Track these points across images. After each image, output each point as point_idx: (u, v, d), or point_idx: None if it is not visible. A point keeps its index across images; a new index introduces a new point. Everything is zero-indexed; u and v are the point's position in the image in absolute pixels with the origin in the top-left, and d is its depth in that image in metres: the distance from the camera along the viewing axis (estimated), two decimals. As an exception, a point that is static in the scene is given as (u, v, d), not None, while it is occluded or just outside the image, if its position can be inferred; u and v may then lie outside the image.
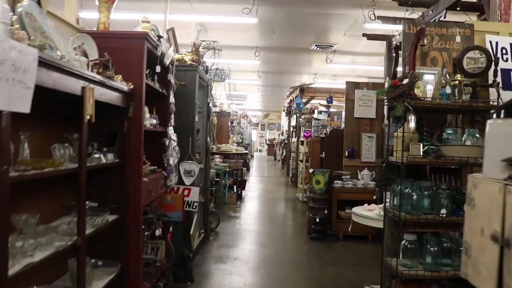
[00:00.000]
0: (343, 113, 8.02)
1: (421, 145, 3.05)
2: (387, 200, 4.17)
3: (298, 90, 13.18)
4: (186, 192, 4.87)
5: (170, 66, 4.19)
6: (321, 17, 7.97)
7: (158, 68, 3.64)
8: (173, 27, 6.17)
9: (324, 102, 12.76)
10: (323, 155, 7.43)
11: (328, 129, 8.06)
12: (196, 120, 5.03)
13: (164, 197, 4.28)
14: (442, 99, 3.09)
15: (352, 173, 6.90)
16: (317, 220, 6.47)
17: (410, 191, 3.03)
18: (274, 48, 10.67)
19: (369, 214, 4.19)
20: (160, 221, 4.16)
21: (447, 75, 3.21)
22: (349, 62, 11.53)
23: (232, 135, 13.34)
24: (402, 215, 2.98)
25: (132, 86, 3.18)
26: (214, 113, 10.60)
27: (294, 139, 14.61)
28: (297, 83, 14.13)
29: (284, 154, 20.09)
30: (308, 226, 6.90)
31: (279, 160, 23.62)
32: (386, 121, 7.03)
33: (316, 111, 11.33)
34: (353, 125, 7.03)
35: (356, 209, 4.47)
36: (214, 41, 8.75)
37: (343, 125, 7.72)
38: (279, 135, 28.71)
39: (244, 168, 11.65)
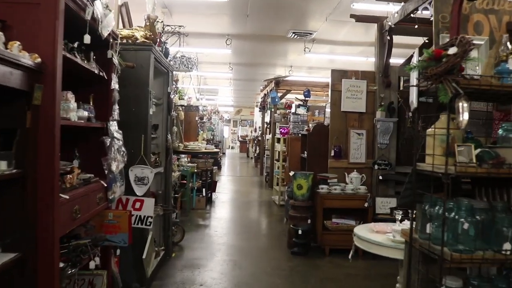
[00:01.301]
0: (327, 106, 7.07)
1: (473, 147, 2.06)
2: (402, 220, 3.23)
3: (273, 83, 12.19)
4: (137, 205, 3.82)
5: (112, 41, 3.12)
6: (302, -2, 6.98)
7: (87, 39, 2.57)
8: (127, 2, 5.09)
9: (301, 97, 11.85)
10: (305, 155, 6.46)
11: (310, 125, 7.09)
12: (151, 113, 3.97)
13: (104, 214, 3.22)
14: (503, 78, 2.10)
15: (339, 175, 5.96)
16: (300, 232, 5.50)
17: (455, 215, 2.05)
18: (248, 36, 9.62)
19: (378, 239, 3.20)
20: (98, 247, 3.12)
21: (508, 43, 2.23)
22: (328, 52, 10.60)
23: (202, 131, 12.25)
24: (445, 251, 2.00)
25: (39, 60, 2.11)
26: (181, 107, 9.54)
27: (268, 136, 13.65)
28: (271, 76, 13.14)
29: (257, 151, 19.13)
30: (288, 238, 5.92)
31: (252, 158, 22.65)
32: (378, 115, 6.11)
33: (293, 105, 10.35)
34: (339, 120, 6.07)
35: (360, 231, 3.47)
36: (180, 26, 7.67)
37: (327, 120, 6.76)
38: (251, 132, 27.74)
39: (215, 167, 10.61)
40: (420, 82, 2.26)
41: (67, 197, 2.35)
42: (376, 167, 5.96)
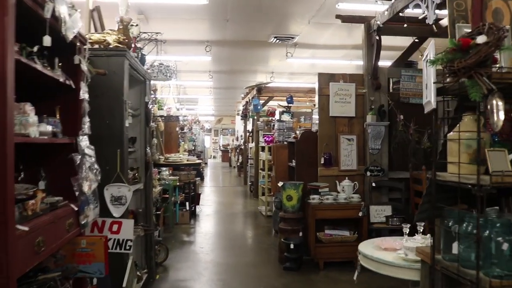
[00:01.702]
0: (315, 112, 6.78)
1: (506, 152, 1.75)
2: (418, 236, 2.92)
3: (255, 90, 11.88)
4: (115, 228, 3.44)
5: (79, 45, 2.76)
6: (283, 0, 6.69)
7: (46, 41, 2.21)
8: (99, 6, 4.73)
9: (284, 103, 11.57)
10: (293, 164, 6.14)
11: (298, 132, 6.78)
12: (127, 125, 3.59)
13: (76, 241, 2.83)
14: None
15: (330, 184, 5.66)
16: (292, 246, 5.16)
17: (489, 233, 1.74)
18: (228, 42, 9.31)
19: (388, 257, 2.87)
20: (70, 280, 2.74)
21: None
22: (311, 56, 10.35)
23: (183, 142, 11.85)
24: (482, 278, 1.68)
25: (-16, 65, 1.75)
26: (161, 118, 9.14)
27: (251, 145, 13.32)
28: (252, 83, 12.83)
29: (240, 160, 18.77)
30: (279, 253, 5.58)
31: (234, 167, 22.27)
32: (368, 119, 5.83)
33: (277, 112, 10.04)
34: (328, 126, 5.78)
35: (365, 249, 3.14)
36: (157, 33, 7.33)
37: (314, 126, 6.46)
38: (233, 141, 27.39)
39: (198, 179, 10.22)
40: (443, 77, 1.95)
41: (27, 228, 1.97)
42: (368, 173, 5.67)
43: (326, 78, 5.81)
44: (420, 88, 5.85)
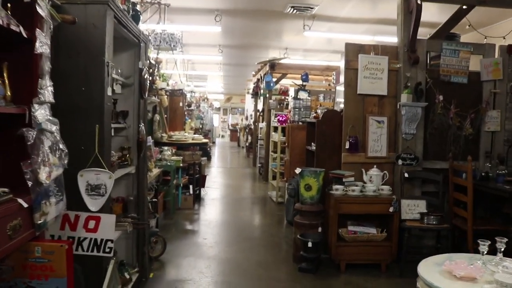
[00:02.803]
0: (337, 89, 5.94)
1: None
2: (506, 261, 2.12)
3: (267, 66, 11.02)
4: (91, 224, 2.70)
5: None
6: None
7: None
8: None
9: (298, 82, 10.71)
10: (312, 148, 5.35)
11: (319, 111, 5.95)
12: (109, 93, 2.80)
13: (29, 248, 2.09)
14: None
15: (355, 173, 4.87)
16: (310, 245, 4.40)
17: None
18: (240, 11, 8.43)
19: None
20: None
21: None
22: (329, 30, 9.44)
23: (189, 120, 11.08)
24: None
25: None
26: (166, 92, 8.37)
27: (262, 125, 12.51)
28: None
29: (249, 141, 17.99)
30: (294, 250, 4.84)
31: (243, 147, 21.50)
32: (403, 99, 4.94)
33: (292, 89, 9.18)
34: (355, 105, 4.96)
35: (431, 276, 2.19)
36: (160, -4, 6.54)
37: (337, 106, 5.64)
38: (242, 120, 26.60)
39: (204, 159, 9.48)
40: None
41: None
42: (400, 162, 4.87)
43: (355, 49, 4.96)
44: (464, 64, 5.00)
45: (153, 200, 5.11)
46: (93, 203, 2.69)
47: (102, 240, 2.70)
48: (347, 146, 4.92)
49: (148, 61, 4.30)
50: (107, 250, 2.72)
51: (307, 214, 4.72)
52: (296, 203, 4.97)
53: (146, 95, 3.91)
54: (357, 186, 4.66)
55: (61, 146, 2.22)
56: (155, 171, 5.47)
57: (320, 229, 4.67)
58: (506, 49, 5.05)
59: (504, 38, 5.34)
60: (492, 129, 5.07)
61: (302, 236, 4.52)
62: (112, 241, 2.73)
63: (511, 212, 4.26)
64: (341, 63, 5.07)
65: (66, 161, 2.26)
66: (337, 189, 4.61)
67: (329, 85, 11.68)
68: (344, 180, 4.71)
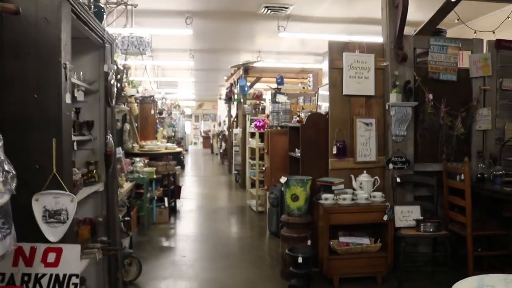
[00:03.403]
0: (320, 91, 5.62)
1: None
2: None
3: (241, 70, 10.66)
4: (51, 258, 2.26)
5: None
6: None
7: None
8: None
9: (273, 85, 10.37)
10: (297, 154, 4.99)
11: (303, 115, 5.59)
12: (68, 101, 2.36)
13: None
14: None
15: (344, 179, 4.54)
16: (300, 260, 4.03)
17: None
18: (211, 13, 8.05)
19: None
20: None
21: None
22: (305, 31, 9.15)
23: (161, 128, 10.60)
24: None
25: None
26: (136, 100, 7.91)
27: (236, 130, 12.13)
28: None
29: (223, 147, 17.56)
30: (282, 266, 4.47)
31: (217, 154, 21.05)
32: (392, 99, 4.62)
33: (268, 93, 8.82)
34: (342, 107, 4.64)
35: None
36: (127, -4, 6.09)
37: (320, 108, 5.31)
38: (215, 126, 26.14)
39: (178, 168, 9.02)
40: None
41: None
42: (391, 166, 4.58)
43: (339, 47, 4.65)
44: (452, 61, 4.75)
45: (125, 219, 4.66)
46: (52, 232, 2.25)
47: (65, 275, 2.26)
48: (334, 151, 4.59)
49: (115, 65, 3.87)
50: (72, 286, 2.29)
51: (295, 226, 4.35)
52: (283, 215, 4.59)
53: (114, 103, 3.48)
54: (347, 194, 4.33)
55: (6, 167, 1.78)
56: (127, 185, 5.02)
57: (309, 242, 4.31)
58: (494, 44, 4.84)
59: (493, 32, 5.13)
60: (484, 127, 4.84)
61: (291, 251, 4.15)
62: (77, 275, 2.29)
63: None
64: (323, 64, 4.75)
65: (14, 185, 1.82)
66: (327, 198, 4.27)
67: (303, 88, 11.40)
68: (333, 188, 4.37)
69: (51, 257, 2.25)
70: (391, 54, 4.60)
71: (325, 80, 5.25)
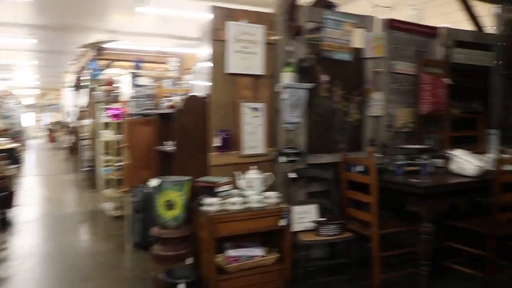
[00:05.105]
0: (198, 68, 4.65)
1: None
2: None
3: (93, 51, 9.15)
4: None
5: None
6: None
7: None
8: None
9: (127, 71, 9.09)
10: (167, 148, 4.00)
11: (179, 98, 4.54)
12: None
13: None
14: None
15: (230, 177, 3.68)
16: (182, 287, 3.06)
17: None
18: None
19: None
20: None
21: None
22: (168, 6, 8.10)
23: (-10, 120, 8.64)
24: None
25: None
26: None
27: (86, 121, 10.52)
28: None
29: (72, 141, 15.49)
30: (155, 294, 3.45)
31: (63, 149, 18.68)
32: (286, 79, 3.82)
33: (122, 79, 7.55)
34: (225, 88, 3.77)
35: None
36: None
37: (198, 91, 4.34)
38: (61, 117, 23.40)
39: (12, 168, 7.30)
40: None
41: None
42: (283, 159, 3.85)
43: (222, 15, 3.75)
44: (347, 39, 4.20)
45: None
46: None
47: None
48: (216, 144, 3.70)
49: None
50: None
51: (171, 242, 3.36)
52: (155, 228, 3.55)
53: None
54: (237, 197, 3.48)
55: None
56: None
57: (190, 260, 3.37)
58: (388, 23, 4.42)
59: (393, 10, 4.72)
60: (376, 113, 4.39)
61: (169, 276, 3.15)
62: None
63: (419, 210, 3.53)
64: (202, 36, 3.80)
65: None
66: (212, 204, 3.36)
67: (163, 70, 10.29)
68: (218, 190, 3.48)
69: None
70: (284, 27, 3.86)
71: (203, 56, 4.30)
